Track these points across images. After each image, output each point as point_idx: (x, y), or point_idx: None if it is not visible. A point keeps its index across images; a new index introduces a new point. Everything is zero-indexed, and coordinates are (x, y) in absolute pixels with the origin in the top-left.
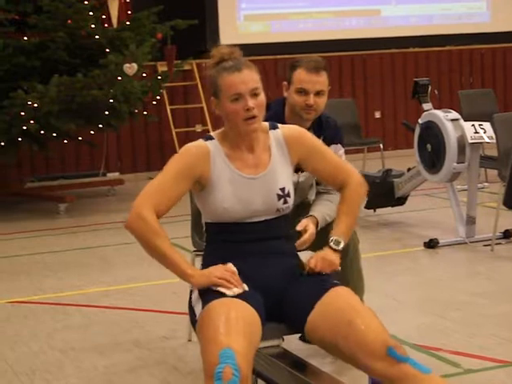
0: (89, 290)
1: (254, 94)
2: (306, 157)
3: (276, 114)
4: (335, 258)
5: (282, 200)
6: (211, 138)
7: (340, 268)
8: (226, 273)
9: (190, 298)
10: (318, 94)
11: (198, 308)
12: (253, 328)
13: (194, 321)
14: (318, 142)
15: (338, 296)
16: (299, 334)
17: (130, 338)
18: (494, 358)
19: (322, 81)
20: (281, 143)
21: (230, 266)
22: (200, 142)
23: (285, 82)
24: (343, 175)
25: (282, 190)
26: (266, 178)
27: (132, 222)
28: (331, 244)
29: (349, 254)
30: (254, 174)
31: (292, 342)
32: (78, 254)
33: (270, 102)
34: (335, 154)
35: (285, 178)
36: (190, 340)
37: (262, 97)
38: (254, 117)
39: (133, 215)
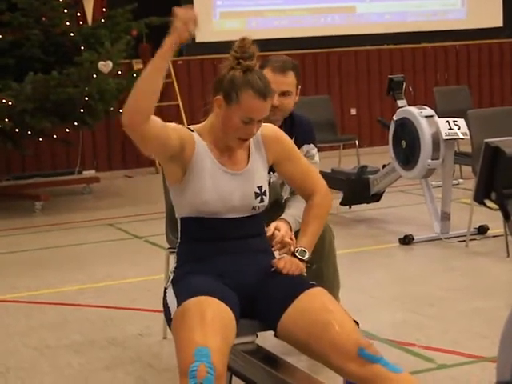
0: (64, 288)
1: (259, 120)
2: (280, 160)
3: None
4: (302, 263)
5: (259, 198)
6: (191, 130)
7: (305, 271)
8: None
9: (165, 295)
10: (283, 94)
11: (172, 306)
12: (228, 326)
13: (169, 319)
14: (293, 147)
15: (313, 297)
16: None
17: (105, 336)
18: (468, 353)
19: (287, 81)
20: (259, 142)
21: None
22: (186, 129)
23: None
24: (311, 185)
25: (260, 188)
26: (245, 175)
27: (125, 117)
28: (297, 254)
29: (324, 250)
30: (234, 170)
31: (267, 339)
32: (53, 252)
33: None
34: (308, 161)
35: (262, 177)
36: (165, 337)
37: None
38: (248, 139)
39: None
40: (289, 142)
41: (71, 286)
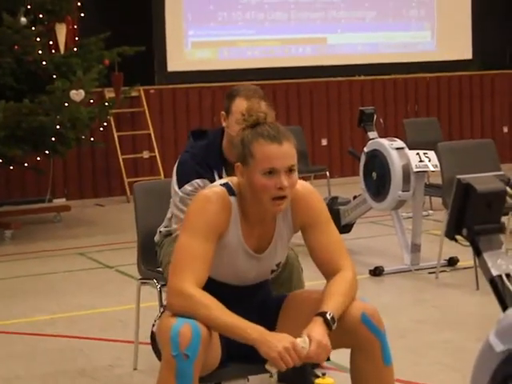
0: (34, 317)
1: (290, 171)
2: (307, 226)
3: (213, 143)
4: (328, 341)
5: (275, 272)
6: (234, 194)
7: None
8: (288, 354)
9: (152, 331)
10: None
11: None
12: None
13: (156, 350)
14: (324, 214)
15: (294, 297)
16: (276, 376)
17: (74, 367)
18: None
19: (264, 111)
20: (286, 208)
21: (298, 343)
22: (223, 192)
23: (223, 112)
24: (337, 260)
25: (278, 264)
26: (266, 257)
27: (176, 303)
28: (328, 318)
29: (292, 283)
30: (256, 251)
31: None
32: (23, 281)
33: (207, 130)
34: (339, 235)
35: (283, 251)
36: (135, 368)
37: (296, 175)
38: (284, 197)
39: (174, 296)
40: (320, 207)
41: (41, 316)
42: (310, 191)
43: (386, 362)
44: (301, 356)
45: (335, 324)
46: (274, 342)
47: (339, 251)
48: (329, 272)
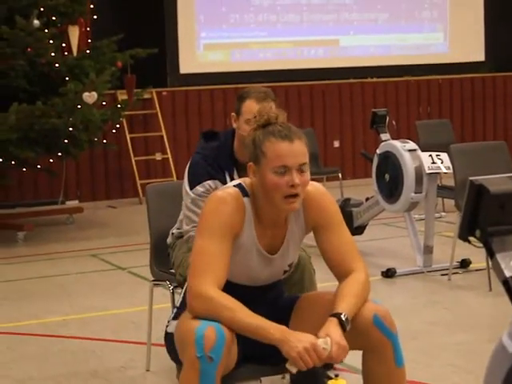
0: (46, 319)
1: (301, 170)
2: (319, 227)
3: (225, 145)
4: (345, 341)
5: (287, 272)
6: (247, 195)
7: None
8: (308, 355)
9: (166, 331)
10: None
11: (174, 327)
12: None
13: (172, 350)
14: (336, 215)
15: (307, 298)
16: (289, 378)
17: (87, 368)
18: None
19: (275, 112)
20: (298, 208)
21: (319, 344)
22: (236, 193)
23: (233, 114)
24: (349, 262)
25: (290, 265)
26: (278, 258)
27: (197, 306)
28: (343, 319)
29: (304, 285)
30: (269, 252)
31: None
32: (35, 282)
33: (219, 132)
34: (352, 237)
35: (295, 251)
36: (148, 370)
37: (308, 174)
38: (296, 195)
39: (195, 299)
40: (332, 209)
41: (54, 318)
42: (322, 192)
43: (398, 364)
44: (321, 357)
45: (349, 325)
46: (295, 342)
47: (351, 253)
48: (341, 274)
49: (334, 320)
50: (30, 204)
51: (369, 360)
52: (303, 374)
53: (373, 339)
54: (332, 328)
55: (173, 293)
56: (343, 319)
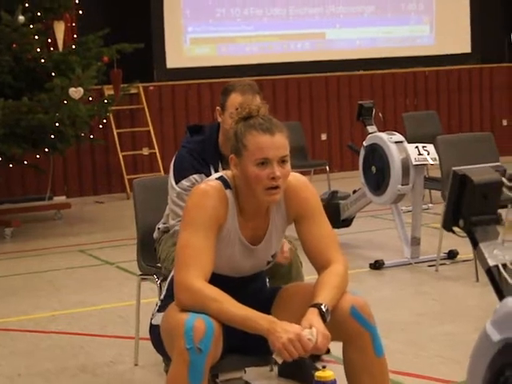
0: (35, 315)
1: (282, 162)
2: (299, 218)
3: (210, 139)
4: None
5: (270, 263)
6: (229, 187)
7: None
8: (292, 345)
9: (151, 324)
10: None
11: (159, 319)
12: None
13: (158, 343)
14: (317, 206)
15: (287, 289)
16: (277, 370)
17: (76, 363)
18: (439, 377)
19: (257, 105)
20: (281, 196)
21: (304, 335)
22: (219, 186)
23: (218, 107)
24: (328, 254)
25: (273, 256)
26: (261, 249)
27: (185, 299)
28: (323, 310)
29: (292, 278)
30: (252, 243)
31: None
32: (24, 278)
33: (204, 125)
34: (332, 229)
35: (277, 242)
36: (136, 364)
37: (289, 166)
38: (277, 187)
39: (183, 292)
40: (313, 200)
41: (42, 313)
42: (304, 183)
43: (378, 354)
44: (307, 348)
45: (329, 316)
46: (281, 333)
47: (331, 244)
48: (320, 265)
49: (315, 310)
50: (18, 200)
51: (348, 351)
52: (291, 366)
53: (351, 330)
54: (315, 318)
55: (160, 287)
56: (323, 310)
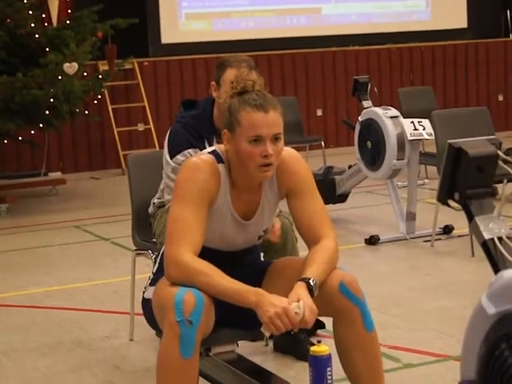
0: (31, 290)
1: (275, 139)
2: (291, 193)
3: (204, 113)
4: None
5: (262, 237)
6: (222, 162)
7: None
8: (279, 319)
9: (144, 297)
10: None
11: (150, 293)
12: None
13: (150, 317)
14: (310, 182)
15: (278, 263)
16: (272, 345)
17: (71, 338)
18: (434, 352)
19: (252, 79)
20: (272, 174)
21: (291, 309)
22: (211, 160)
23: (213, 83)
24: (318, 229)
25: (265, 230)
26: (253, 224)
27: (174, 273)
28: (311, 284)
29: (287, 252)
30: (243, 218)
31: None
32: (20, 254)
33: (198, 100)
34: (324, 205)
35: (269, 217)
36: (131, 339)
37: (282, 143)
38: (270, 164)
39: (172, 266)
40: (305, 175)
41: (38, 289)
42: (296, 158)
43: (368, 329)
44: (294, 322)
45: (317, 290)
46: (268, 307)
47: (323, 220)
48: (311, 239)
49: (303, 284)
50: (13, 176)
51: (338, 326)
52: (286, 341)
53: (340, 306)
54: (302, 292)
55: (155, 262)
56: (311, 284)
